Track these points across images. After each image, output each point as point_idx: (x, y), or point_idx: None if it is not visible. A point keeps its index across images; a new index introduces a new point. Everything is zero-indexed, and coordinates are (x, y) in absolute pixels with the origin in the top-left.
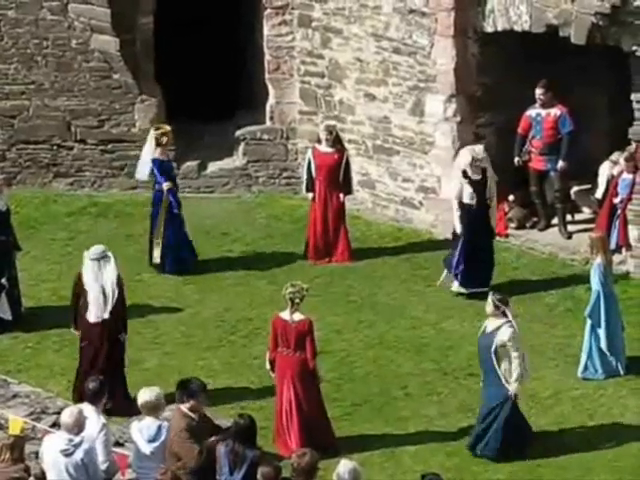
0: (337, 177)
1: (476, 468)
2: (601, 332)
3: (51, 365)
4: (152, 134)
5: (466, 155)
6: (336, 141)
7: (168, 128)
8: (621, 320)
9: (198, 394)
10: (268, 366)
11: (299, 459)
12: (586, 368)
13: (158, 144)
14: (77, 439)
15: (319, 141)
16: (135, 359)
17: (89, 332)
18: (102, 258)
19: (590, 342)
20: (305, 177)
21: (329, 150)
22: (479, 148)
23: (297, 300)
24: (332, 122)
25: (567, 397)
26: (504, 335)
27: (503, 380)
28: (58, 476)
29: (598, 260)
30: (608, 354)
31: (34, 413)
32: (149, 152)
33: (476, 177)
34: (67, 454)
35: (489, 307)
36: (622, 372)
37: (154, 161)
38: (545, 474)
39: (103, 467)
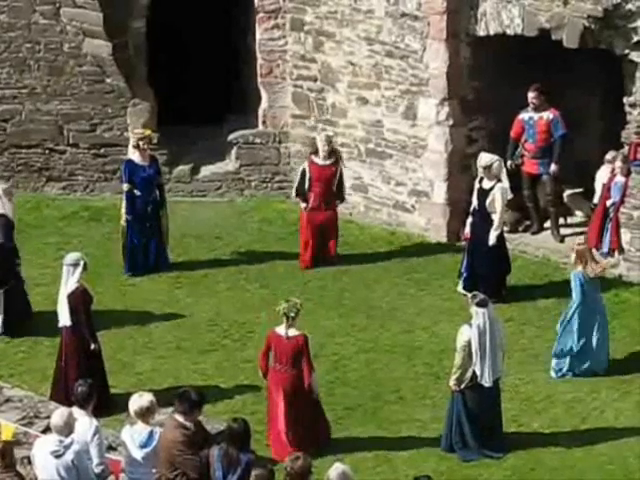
0: (332, 188)
1: (469, 472)
2: (573, 337)
3: (44, 369)
4: (131, 136)
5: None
6: (332, 152)
7: (147, 132)
8: (606, 331)
9: (199, 407)
10: (261, 374)
11: (292, 463)
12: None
13: (137, 147)
14: (67, 440)
15: (315, 152)
16: (128, 363)
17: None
18: (73, 265)
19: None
20: (297, 182)
21: (326, 163)
22: (486, 157)
23: (291, 314)
24: (330, 132)
25: (560, 400)
26: (459, 333)
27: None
28: (49, 478)
29: (579, 269)
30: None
31: (26, 417)
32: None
33: (486, 185)
34: (57, 455)
35: None
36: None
37: (127, 162)
38: (538, 477)
39: (98, 470)
